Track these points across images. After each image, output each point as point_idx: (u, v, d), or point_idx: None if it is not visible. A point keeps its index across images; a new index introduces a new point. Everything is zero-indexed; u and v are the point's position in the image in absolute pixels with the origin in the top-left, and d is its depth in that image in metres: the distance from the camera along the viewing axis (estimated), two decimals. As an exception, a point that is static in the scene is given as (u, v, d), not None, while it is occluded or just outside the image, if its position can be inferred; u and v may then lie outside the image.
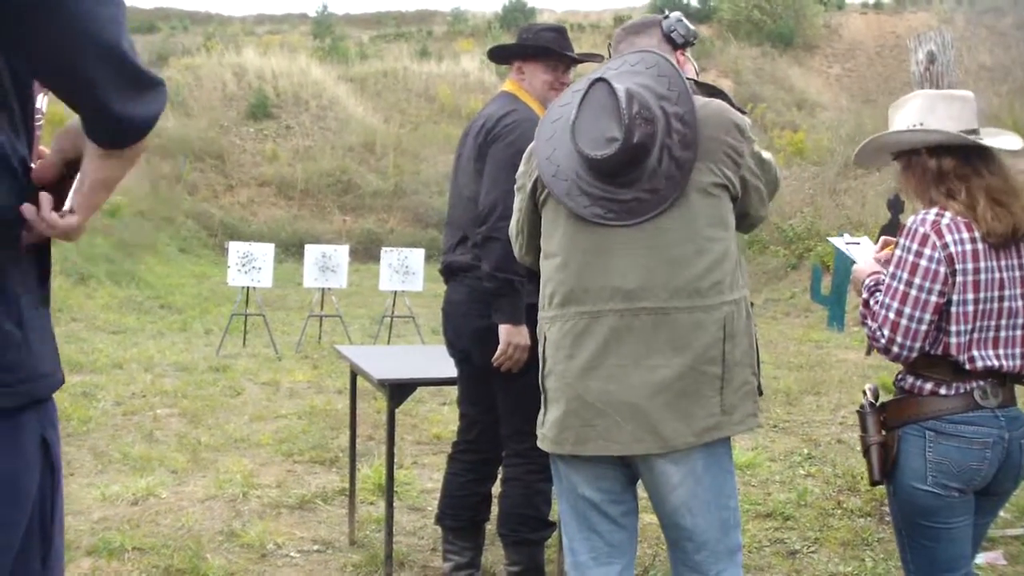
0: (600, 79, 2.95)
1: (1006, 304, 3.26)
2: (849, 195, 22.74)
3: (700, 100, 3.03)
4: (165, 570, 5.09)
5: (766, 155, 3.16)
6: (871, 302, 3.36)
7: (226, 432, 8.31)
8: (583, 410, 3.06)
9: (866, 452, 3.43)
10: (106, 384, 10.34)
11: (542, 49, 4.41)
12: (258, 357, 12.71)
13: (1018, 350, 3.28)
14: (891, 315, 3.22)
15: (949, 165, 3.31)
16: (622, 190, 2.97)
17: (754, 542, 5.79)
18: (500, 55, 4.69)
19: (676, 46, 3.32)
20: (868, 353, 12.95)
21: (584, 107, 2.97)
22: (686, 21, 3.34)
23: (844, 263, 15.90)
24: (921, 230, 3.22)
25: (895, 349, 3.23)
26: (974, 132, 3.36)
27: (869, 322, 3.34)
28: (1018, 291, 3.28)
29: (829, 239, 3.96)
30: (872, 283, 3.39)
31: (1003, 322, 3.26)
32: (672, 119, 2.92)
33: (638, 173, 2.93)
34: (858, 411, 3.49)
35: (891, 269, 3.27)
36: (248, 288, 13.58)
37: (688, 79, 3.08)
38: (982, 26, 37.82)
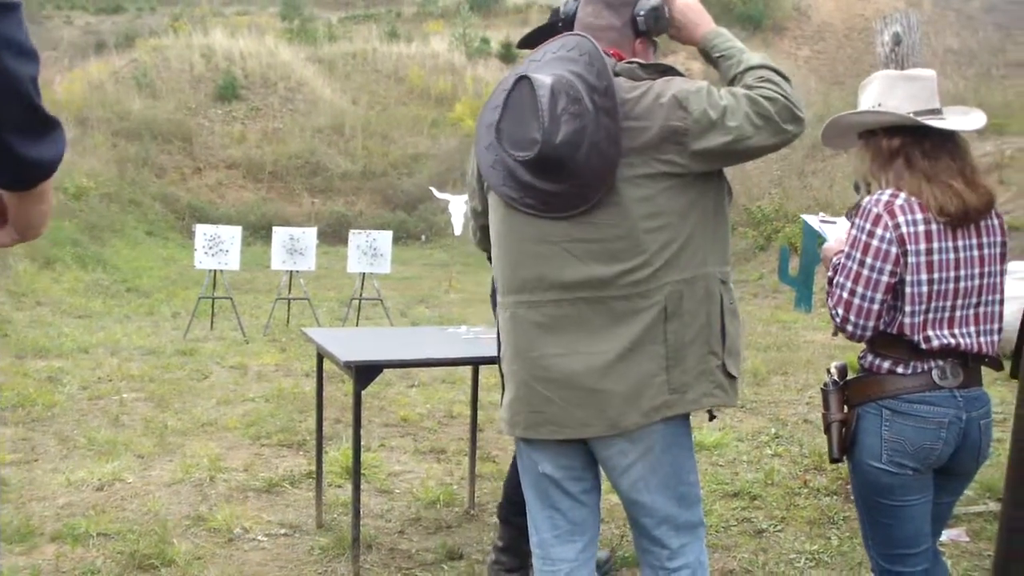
0: (523, 77, 2.91)
1: (962, 284, 3.26)
2: (817, 177, 22.86)
3: (640, 89, 2.93)
4: (131, 555, 5.06)
5: (740, 92, 2.91)
6: (832, 281, 3.38)
7: (193, 416, 8.28)
8: (531, 396, 3.09)
9: (827, 429, 3.44)
10: (72, 369, 10.27)
11: (542, 33, 4.39)
12: (226, 340, 12.65)
13: (972, 328, 3.30)
14: (844, 294, 3.24)
15: (898, 144, 3.33)
16: (553, 183, 2.93)
17: (721, 521, 5.82)
18: (537, 38, 4.59)
19: (638, 33, 3.17)
20: (835, 334, 12.95)
21: (508, 107, 2.94)
22: (662, 11, 3.17)
23: (811, 244, 15.98)
24: (874, 210, 3.23)
25: (849, 328, 3.25)
26: (935, 112, 3.36)
27: (829, 301, 3.36)
28: (975, 270, 3.28)
29: (803, 216, 3.91)
30: (837, 262, 3.39)
31: (959, 302, 3.27)
32: (601, 114, 2.86)
33: (568, 167, 2.88)
34: (822, 389, 3.50)
35: (847, 249, 3.28)
36: (215, 271, 13.50)
37: (633, 62, 3.00)
38: (949, 9, 37.99)
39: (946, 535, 5.54)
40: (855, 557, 5.25)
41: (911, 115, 3.33)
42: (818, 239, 3.74)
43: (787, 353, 12.00)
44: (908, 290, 3.21)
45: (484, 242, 3.39)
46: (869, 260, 3.20)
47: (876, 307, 3.21)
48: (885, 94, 3.40)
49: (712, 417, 3.25)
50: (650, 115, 2.87)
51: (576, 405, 3.00)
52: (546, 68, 2.95)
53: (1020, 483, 4.09)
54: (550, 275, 2.99)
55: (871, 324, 3.23)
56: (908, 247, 3.19)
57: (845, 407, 3.44)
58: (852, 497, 3.54)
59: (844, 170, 20.70)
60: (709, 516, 5.77)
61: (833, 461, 3.42)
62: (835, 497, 6.26)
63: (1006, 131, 19.89)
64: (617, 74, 2.95)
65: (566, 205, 2.94)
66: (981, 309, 3.32)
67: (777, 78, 2.91)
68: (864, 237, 3.22)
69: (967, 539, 5.54)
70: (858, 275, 3.22)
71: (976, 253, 3.29)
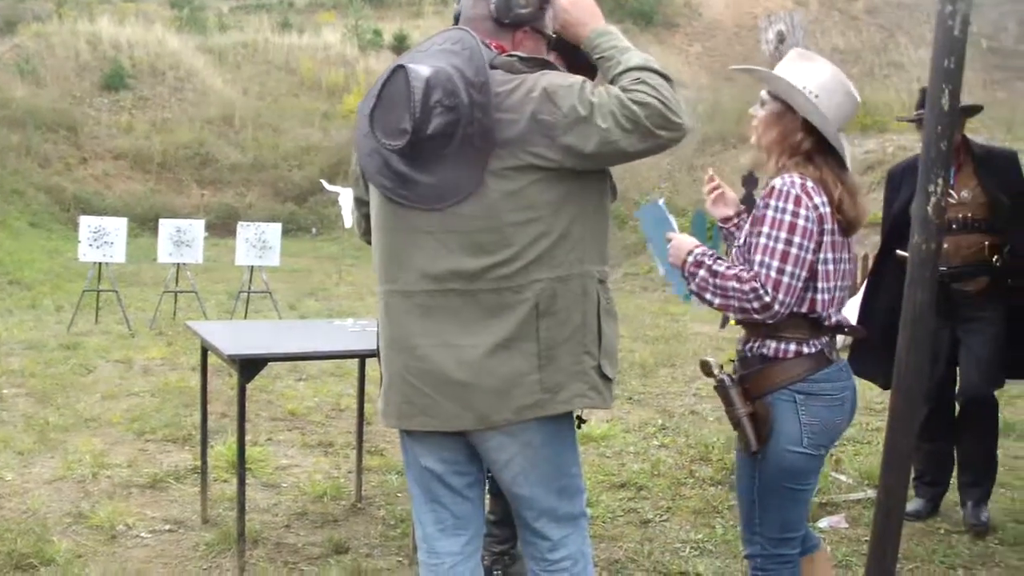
0: (400, 66, 2.91)
1: (844, 267, 3.43)
2: (706, 171, 23.11)
3: (514, 83, 2.93)
4: (8, 555, 4.95)
5: (614, 92, 2.88)
6: (714, 271, 3.33)
7: (76, 411, 8.12)
8: (403, 386, 3.10)
9: (738, 424, 3.44)
10: (-51, 364, 10.01)
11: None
12: (111, 334, 12.41)
13: (839, 307, 3.47)
14: (773, 274, 3.25)
15: (809, 146, 3.43)
16: (426, 174, 2.95)
17: (608, 512, 5.88)
18: None
19: (500, 24, 3.13)
20: (723, 326, 13.23)
21: (383, 96, 2.95)
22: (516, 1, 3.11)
23: (702, 237, 16.18)
24: (794, 192, 3.29)
25: (776, 307, 3.26)
26: (841, 131, 3.50)
27: (721, 292, 3.32)
28: (847, 255, 3.46)
29: (656, 204, 3.85)
30: (701, 254, 3.39)
31: (840, 283, 3.42)
32: (475, 108, 2.86)
33: (440, 159, 2.91)
34: (718, 387, 3.49)
35: (764, 229, 3.29)
36: (100, 264, 13.25)
37: (513, 55, 3.01)
38: (835, 9, 38.72)
39: (826, 522, 5.69)
40: (739, 546, 5.32)
41: (839, 134, 3.46)
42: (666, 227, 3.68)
43: (675, 345, 12.16)
44: (821, 268, 3.33)
45: (368, 233, 3.38)
46: (797, 239, 3.26)
47: (800, 285, 3.29)
48: (826, 92, 3.45)
49: (581, 422, 3.27)
50: (520, 108, 2.87)
51: (446, 398, 3.01)
52: (429, 60, 2.95)
53: (893, 469, 4.19)
54: (422, 266, 3.00)
55: (793, 302, 3.30)
56: (824, 226, 3.31)
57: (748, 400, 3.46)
58: (743, 487, 3.57)
59: (733, 164, 21.00)
60: (596, 507, 5.83)
61: (754, 454, 3.43)
62: (720, 487, 6.37)
63: (888, 129, 20.38)
64: (495, 67, 2.95)
65: (438, 197, 2.95)
66: (847, 292, 3.50)
67: (656, 80, 2.89)
68: (788, 217, 3.27)
69: (846, 525, 5.68)
70: (785, 254, 3.25)
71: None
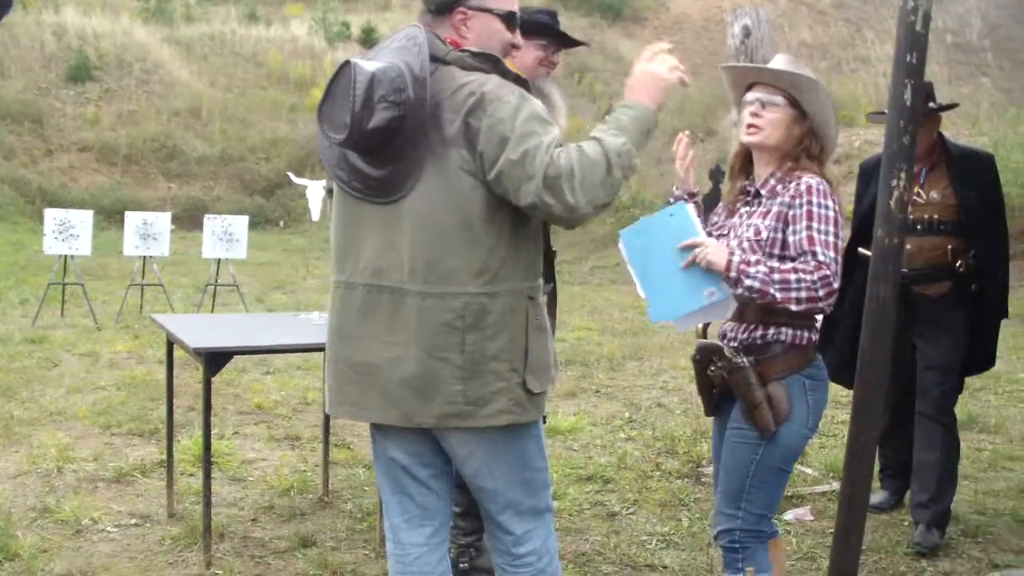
0: (347, 62, 2.93)
1: None
2: (674, 164, 23.17)
3: (462, 80, 2.94)
4: (-29, 550, 4.94)
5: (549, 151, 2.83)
6: (771, 266, 3.42)
7: (41, 405, 8.07)
8: (339, 375, 3.16)
9: (757, 406, 3.53)
10: (-88, 357, 9.93)
11: (540, 26, 4.50)
12: (77, 328, 12.35)
13: None
14: (835, 265, 3.43)
15: (820, 150, 3.67)
16: (377, 168, 2.98)
17: (574, 505, 5.90)
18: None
19: (433, 13, 3.14)
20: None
21: (331, 90, 2.97)
22: None
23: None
24: (823, 188, 3.51)
25: (837, 293, 3.46)
26: None
27: (783, 285, 3.40)
28: None
29: (682, 206, 3.78)
30: (746, 262, 3.43)
31: None
32: (418, 105, 2.87)
33: (389, 154, 2.93)
34: (733, 370, 3.55)
35: (814, 224, 3.46)
36: (66, 256, 13.16)
37: (465, 50, 3.01)
38: (802, 4, 38.91)
39: (791, 514, 5.72)
40: (704, 538, 5.37)
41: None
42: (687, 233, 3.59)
43: (642, 339, 12.20)
44: None
45: None
46: (838, 232, 3.49)
47: None
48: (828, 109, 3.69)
49: (543, 419, 3.30)
50: (459, 109, 2.89)
51: (373, 390, 3.07)
52: (386, 56, 2.98)
53: (855, 462, 4.22)
54: (367, 259, 3.05)
55: None
56: (840, 220, 3.53)
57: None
58: (704, 479, 3.65)
59: (701, 159, 21.03)
60: (563, 500, 5.85)
61: (770, 436, 3.54)
62: (686, 480, 6.39)
63: (854, 123, 20.50)
64: (448, 63, 2.97)
65: (386, 191, 2.99)
66: None
67: (595, 159, 2.84)
68: (832, 214, 3.49)
69: (811, 518, 5.71)
70: (836, 246, 3.46)
71: None
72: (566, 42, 4.75)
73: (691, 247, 3.43)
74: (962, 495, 6.07)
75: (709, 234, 3.76)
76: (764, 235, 3.54)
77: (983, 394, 9.16)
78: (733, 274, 3.40)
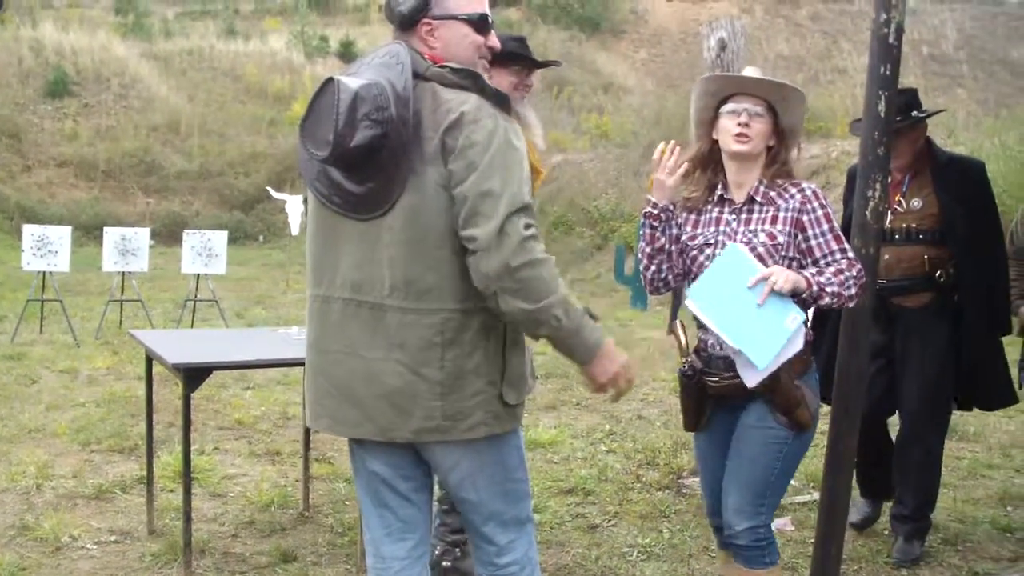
0: (330, 79, 2.93)
1: None
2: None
3: (444, 97, 2.94)
4: (-49, 567, 4.91)
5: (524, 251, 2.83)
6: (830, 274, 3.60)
7: (20, 422, 8.03)
8: (317, 389, 3.18)
9: (799, 404, 3.63)
10: None
11: (510, 55, 4.55)
12: (55, 344, 12.30)
13: None
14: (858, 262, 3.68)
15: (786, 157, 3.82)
16: (357, 184, 2.98)
17: (555, 518, 5.90)
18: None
19: (399, 28, 3.13)
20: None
21: (313, 106, 2.96)
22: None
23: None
24: (822, 192, 3.74)
25: None
26: None
27: (841, 285, 3.59)
28: None
29: (733, 247, 3.79)
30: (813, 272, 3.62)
31: None
32: (400, 123, 2.88)
33: (370, 171, 2.93)
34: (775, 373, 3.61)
35: (832, 225, 3.67)
36: (44, 273, 13.11)
37: (445, 66, 3.00)
38: (779, 16, 39.11)
39: (773, 524, 5.71)
40: (686, 549, 5.38)
41: None
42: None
43: (623, 350, 12.17)
44: None
45: None
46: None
47: None
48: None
49: None
50: (438, 127, 2.90)
51: (351, 404, 3.07)
52: (368, 73, 2.97)
53: (833, 471, 4.27)
54: (344, 273, 3.05)
55: None
56: None
57: None
58: (685, 491, 3.69)
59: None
60: (543, 513, 5.85)
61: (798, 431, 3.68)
62: (667, 491, 6.40)
63: (831, 135, 20.63)
64: (428, 79, 2.97)
65: (366, 207, 2.98)
66: None
67: (550, 286, 2.87)
68: (831, 211, 3.67)
69: (792, 528, 5.72)
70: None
71: None
72: (538, 65, 4.88)
73: (761, 280, 3.52)
74: (942, 503, 6.08)
75: (683, 243, 3.82)
76: (780, 240, 3.65)
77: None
78: (815, 289, 3.53)
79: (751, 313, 3.50)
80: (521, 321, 2.92)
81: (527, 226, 2.84)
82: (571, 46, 41.73)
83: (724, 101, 3.79)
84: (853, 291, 3.61)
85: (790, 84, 3.76)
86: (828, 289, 3.54)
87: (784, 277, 3.50)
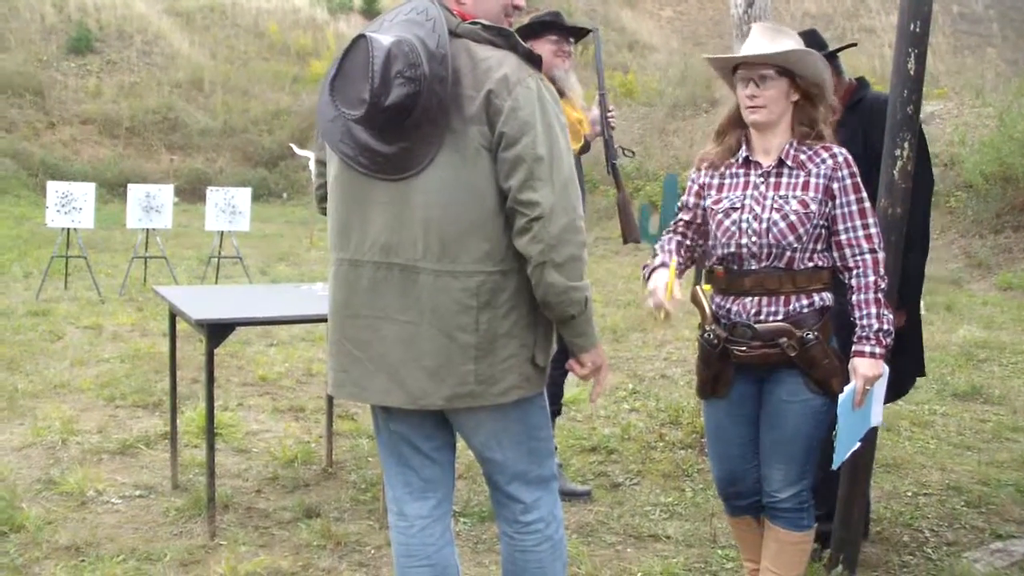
0: (361, 36, 2.88)
1: None
2: (678, 136, 23.18)
3: (480, 55, 2.92)
4: (-22, 521, 4.95)
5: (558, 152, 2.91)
6: (882, 314, 3.60)
7: (45, 378, 8.08)
8: (341, 355, 3.13)
9: (835, 374, 3.65)
10: (-83, 330, 9.93)
11: (546, 25, 5.26)
12: (80, 300, 12.35)
13: None
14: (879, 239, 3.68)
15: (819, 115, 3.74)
16: (386, 144, 2.93)
17: (578, 476, 5.91)
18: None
19: None
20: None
21: (344, 64, 2.92)
22: None
23: (673, 202, 16.18)
24: (851, 157, 3.66)
25: None
26: None
27: (882, 294, 3.62)
28: None
29: (844, 395, 3.81)
30: (879, 332, 3.59)
31: None
32: (435, 81, 2.83)
33: (400, 130, 2.89)
34: (811, 344, 3.60)
35: (856, 196, 3.61)
36: (69, 229, 13.14)
37: (476, 23, 2.97)
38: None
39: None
40: (708, 508, 5.38)
41: None
42: None
43: (646, 310, 12.16)
44: None
45: (325, 200, 3.34)
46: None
47: None
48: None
49: None
50: (480, 85, 2.86)
51: (380, 371, 3.04)
52: (393, 29, 2.93)
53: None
54: (374, 236, 3.00)
55: None
56: None
57: None
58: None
59: (704, 130, 21.00)
60: (566, 471, 5.86)
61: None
62: (690, 450, 6.40)
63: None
64: (459, 35, 2.93)
65: (396, 168, 2.94)
66: None
67: (579, 266, 2.92)
68: (860, 181, 3.66)
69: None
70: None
71: None
72: (573, 33, 5.39)
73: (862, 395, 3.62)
74: (965, 466, 6.09)
75: (707, 207, 3.76)
76: (812, 208, 3.58)
77: (987, 365, 9.16)
78: (885, 350, 3.60)
79: (854, 420, 3.68)
80: (555, 296, 2.91)
81: (576, 200, 2.90)
82: (596, 4, 41.37)
83: (736, 68, 3.72)
84: (885, 292, 3.62)
85: (780, 52, 3.58)
86: (885, 326, 3.58)
87: (870, 376, 3.58)
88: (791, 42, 3.63)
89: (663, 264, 3.67)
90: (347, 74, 2.90)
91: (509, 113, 2.84)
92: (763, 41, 3.62)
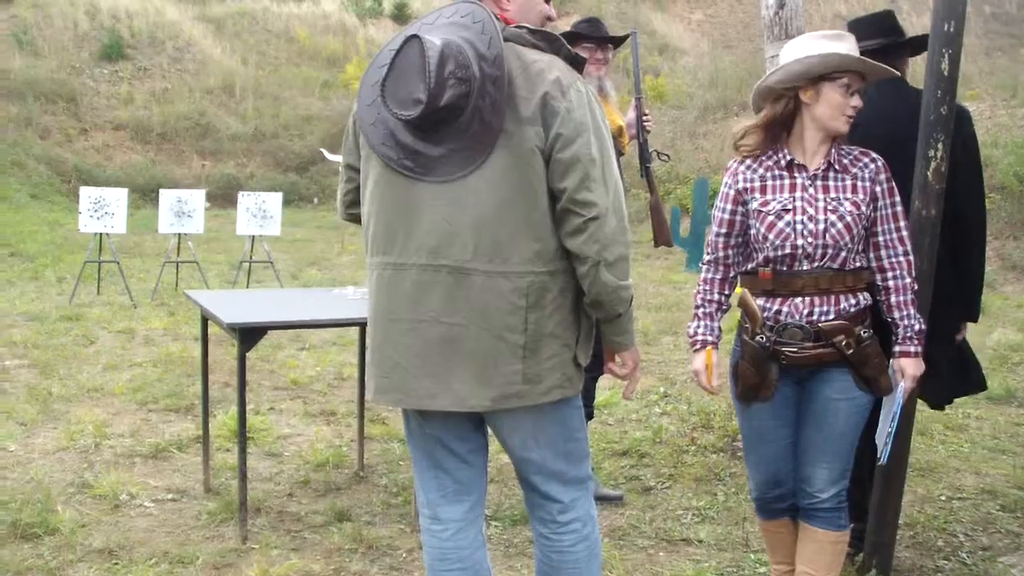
0: (414, 36, 2.88)
1: None
2: (708, 139, 23.10)
3: (529, 58, 2.94)
4: (12, 525, 4.97)
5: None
6: (916, 318, 3.72)
7: (78, 382, 8.13)
8: (383, 360, 3.11)
9: (885, 372, 3.70)
10: (-48, 335, 10.01)
11: (583, 36, 5.49)
12: (112, 305, 12.41)
13: None
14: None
15: None
16: (433, 146, 2.93)
17: (610, 479, 5.89)
18: None
19: None
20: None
21: (396, 65, 2.91)
22: None
23: (703, 205, 16.16)
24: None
25: None
26: None
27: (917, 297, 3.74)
28: None
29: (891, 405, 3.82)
30: (911, 338, 3.70)
31: None
32: (487, 82, 2.85)
33: (449, 132, 2.89)
34: (867, 342, 3.63)
35: (892, 200, 3.67)
36: (101, 235, 13.22)
37: (522, 27, 3.00)
38: (837, -26, 38.48)
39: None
40: (740, 512, 5.36)
41: None
42: None
43: (677, 313, 12.15)
44: None
45: (351, 207, 3.37)
46: None
47: None
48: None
49: None
50: (534, 87, 2.88)
51: (426, 374, 3.02)
52: (437, 32, 2.94)
53: (896, 433, 4.21)
54: (420, 239, 2.99)
55: None
56: None
57: None
58: (740, 454, 3.68)
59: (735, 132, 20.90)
60: (598, 474, 5.85)
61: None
62: (722, 454, 6.37)
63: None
64: (506, 39, 2.94)
65: (444, 170, 2.94)
66: None
67: (623, 260, 2.96)
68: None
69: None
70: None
71: None
72: (608, 41, 5.63)
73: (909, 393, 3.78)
74: (1000, 470, 6.04)
75: (753, 212, 3.71)
76: (863, 210, 3.61)
77: (1022, 368, 9.09)
78: (921, 349, 3.70)
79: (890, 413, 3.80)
80: (607, 294, 2.95)
81: (623, 202, 2.98)
82: (626, 7, 41.29)
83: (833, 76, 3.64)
84: (918, 293, 3.74)
85: (890, 68, 3.72)
86: (922, 326, 3.71)
87: (914, 376, 3.71)
88: (852, 44, 3.67)
89: (704, 343, 3.83)
90: (399, 75, 2.90)
91: (565, 115, 2.86)
92: (854, 47, 3.64)
